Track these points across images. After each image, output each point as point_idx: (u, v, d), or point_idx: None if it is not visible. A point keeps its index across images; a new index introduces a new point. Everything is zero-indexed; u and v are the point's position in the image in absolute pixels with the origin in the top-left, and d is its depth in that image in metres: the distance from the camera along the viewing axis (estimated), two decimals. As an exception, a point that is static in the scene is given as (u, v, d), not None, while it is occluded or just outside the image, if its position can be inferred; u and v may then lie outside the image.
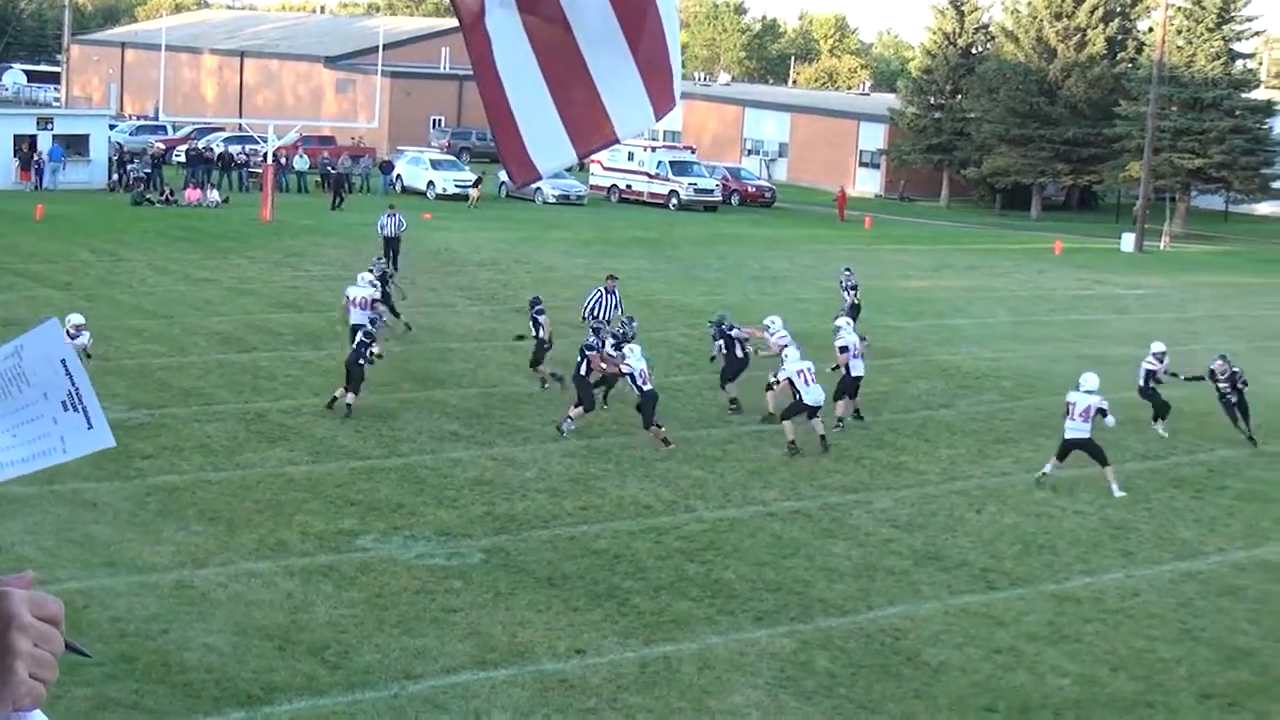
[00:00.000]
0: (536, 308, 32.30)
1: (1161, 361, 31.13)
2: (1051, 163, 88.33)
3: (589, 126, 5.46)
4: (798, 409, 27.22)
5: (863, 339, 31.96)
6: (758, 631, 18.37)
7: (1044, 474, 25.87)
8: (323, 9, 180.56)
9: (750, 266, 53.77)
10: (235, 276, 44.36)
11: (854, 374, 29.48)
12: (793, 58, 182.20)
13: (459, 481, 24.33)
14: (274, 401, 29.24)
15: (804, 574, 20.65)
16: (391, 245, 46.84)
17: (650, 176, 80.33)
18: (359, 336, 29.31)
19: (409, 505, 22.88)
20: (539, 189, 75.94)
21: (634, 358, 27.35)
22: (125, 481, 23.12)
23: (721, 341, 31.61)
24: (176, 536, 20.73)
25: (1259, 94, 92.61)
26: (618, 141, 5.89)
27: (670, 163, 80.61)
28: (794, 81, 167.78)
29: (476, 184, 75.68)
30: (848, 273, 41.04)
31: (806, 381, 27.24)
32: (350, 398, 28.42)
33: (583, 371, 27.57)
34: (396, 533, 21.50)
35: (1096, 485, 26.03)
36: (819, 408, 27.43)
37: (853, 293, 39.77)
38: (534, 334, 32.14)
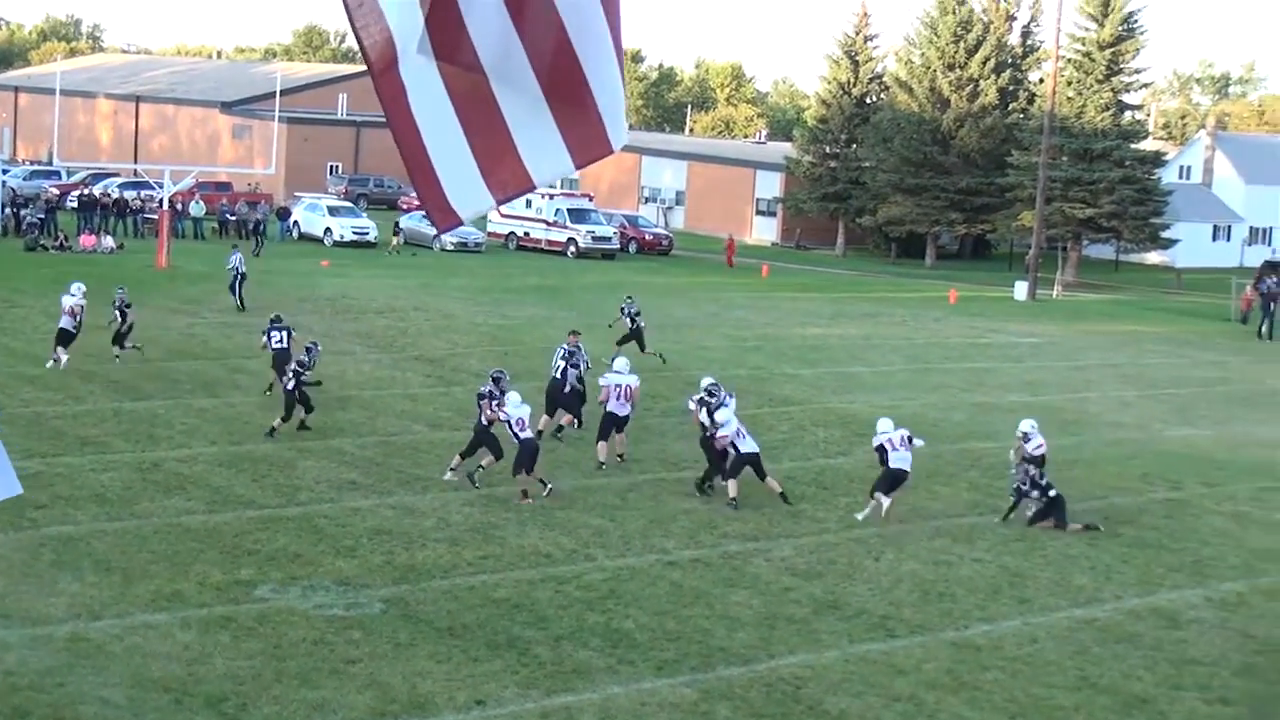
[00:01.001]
0: (119, 298, 37.40)
1: (1026, 440, 28.49)
2: (945, 212, 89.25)
3: (505, 173, 5.46)
4: (740, 464, 27.23)
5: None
6: (658, 681, 18.33)
7: (884, 513, 26.55)
8: (219, 54, 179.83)
9: (652, 314, 53.84)
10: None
11: (621, 414, 29.90)
12: (689, 106, 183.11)
13: (358, 531, 24.14)
14: (170, 450, 28.93)
15: (704, 623, 20.64)
16: (236, 280, 49.50)
17: (548, 224, 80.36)
18: (293, 366, 30.93)
19: (307, 555, 22.67)
20: (437, 236, 75.77)
21: (511, 405, 27.08)
22: (18, 532, 22.77)
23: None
24: (71, 588, 20.42)
25: (1147, 145, 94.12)
26: (534, 189, 5.89)
27: (568, 210, 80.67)
28: (691, 129, 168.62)
29: (396, 230, 75.71)
30: (629, 300, 41.57)
31: (742, 435, 27.36)
32: (278, 422, 30.48)
33: (484, 421, 27.42)
34: (295, 583, 21.30)
35: (994, 533, 26.24)
36: (758, 454, 27.41)
37: (636, 319, 40.34)
38: (118, 321, 37.17)
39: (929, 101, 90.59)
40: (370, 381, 37.27)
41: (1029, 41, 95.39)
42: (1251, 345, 59.05)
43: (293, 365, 31.06)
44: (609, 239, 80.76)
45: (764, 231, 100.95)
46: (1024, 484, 27.10)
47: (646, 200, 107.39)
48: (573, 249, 78.90)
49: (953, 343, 53.10)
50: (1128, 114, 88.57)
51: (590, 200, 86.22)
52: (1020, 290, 73.32)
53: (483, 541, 23.98)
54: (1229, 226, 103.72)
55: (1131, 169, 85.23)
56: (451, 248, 75.89)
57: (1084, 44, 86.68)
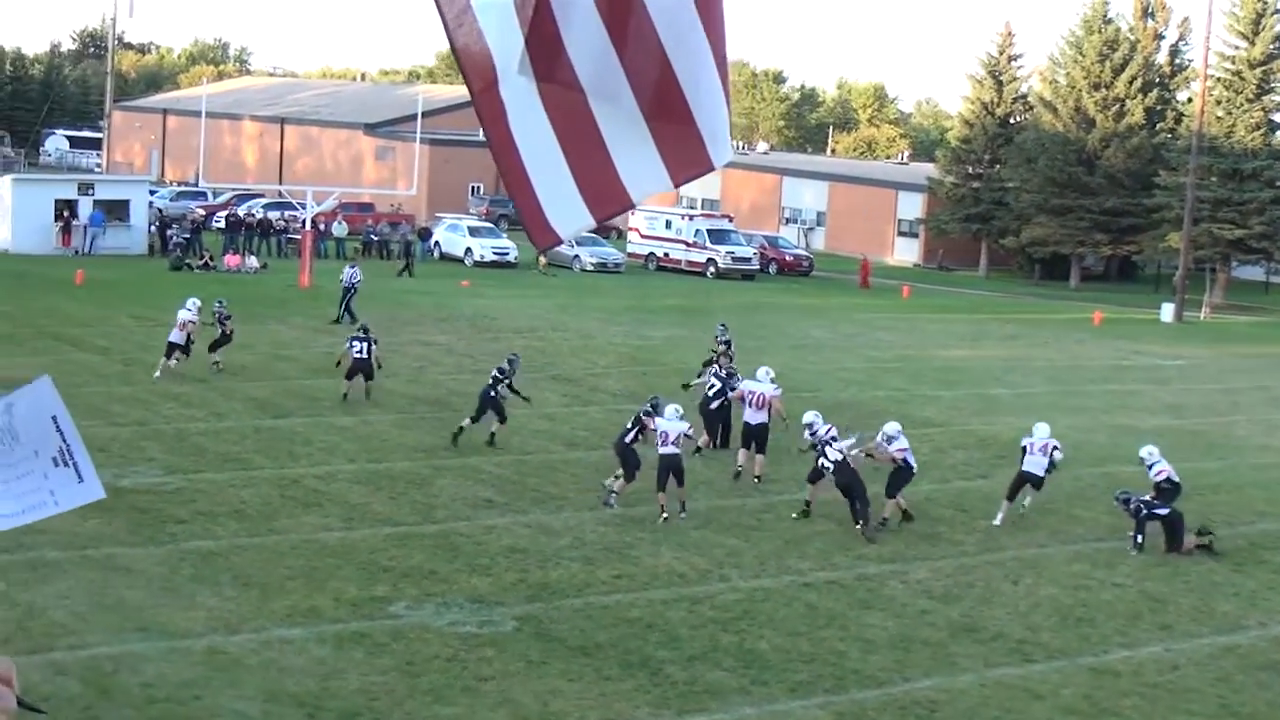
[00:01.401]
0: (219, 310, 39.14)
1: (1149, 468, 28.16)
2: (1090, 233, 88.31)
3: (604, 192, 5.47)
4: (904, 480, 27.32)
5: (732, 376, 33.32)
6: (791, 703, 18.24)
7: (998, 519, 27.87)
8: (363, 76, 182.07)
9: (790, 335, 53.75)
10: (272, 342, 44.52)
11: (754, 422, 30.29)
12: (831, 126, 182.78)
13: (493, 549, 24.27)
14: (309, 467, 29.26)
15: (839, 645, 20.53)
16: (346, 294, 50.44)
17: (688, 245, 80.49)
18: (493, 372, 32.59)
19: (442, 572, 22.83)
20: (577, 256, 76.29)
21: (664, 418, 27.17)
22: (159, 547, 23.14)
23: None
24: (209, 602, 20.71)
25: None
26: (633, 206, 5.92)
27: (708, 231, 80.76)
28: (832, 150, 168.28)
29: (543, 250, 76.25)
30: (722, 328, 41.62)
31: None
32: (467, 422, 32.07)
33: (628, 439, 27.48)
34: (429, 600, 21.45)
35: (1135, 558, 25.88)
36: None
37: (724, 347, 40.44)
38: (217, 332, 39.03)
39: (1074, 121, 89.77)
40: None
41: (1177, 60, 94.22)
42: (1406, 369, 57.81)
43: (494, 371, 32.66)
44: (749, 260, 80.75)
45: (906, 252, 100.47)
46: (1135, 513, 26.70)
47: (787, 221, 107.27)
48: (712, 270, 78.98)
49: (1096, 365, 52.50)
50: (1279, 134, 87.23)
51: (730, 221, 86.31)
52: (1167, 312, 72.36)
53: (617, 561, 24.01)
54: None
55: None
56: (591, 268, 76.33)
57: (1234, 63, 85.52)
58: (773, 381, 31.08)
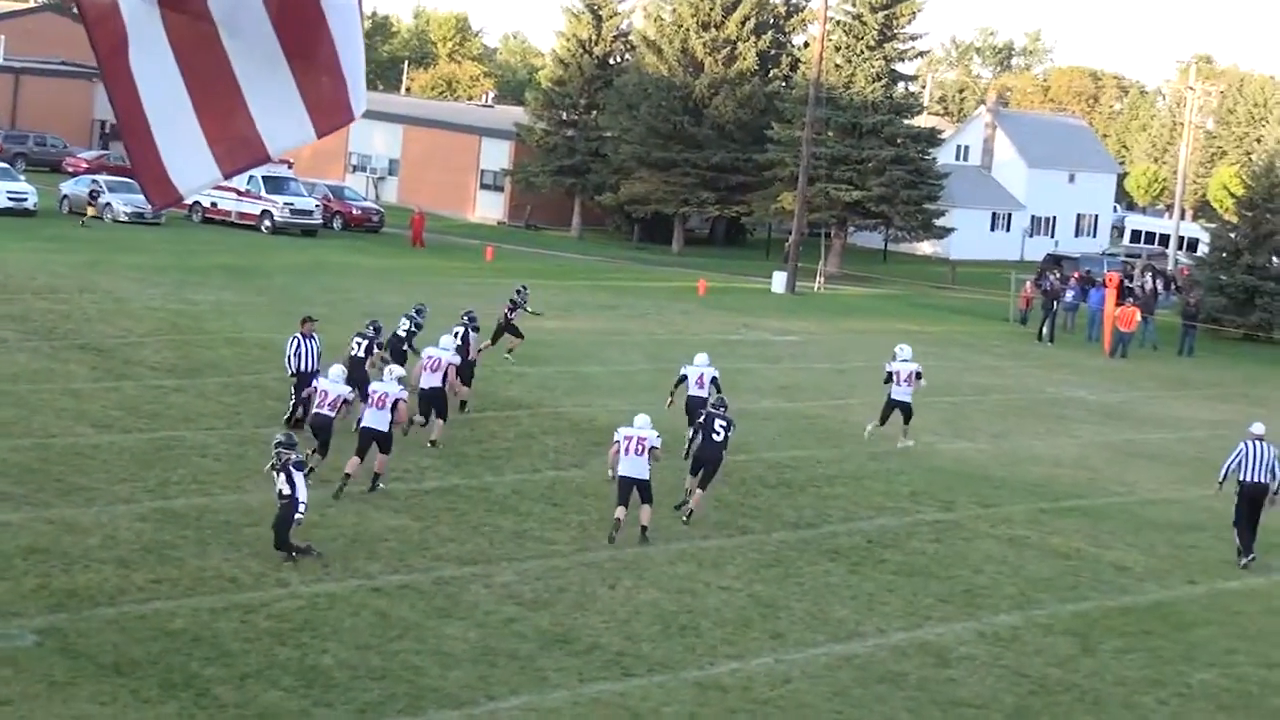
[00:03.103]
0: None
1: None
2: (696, 190, 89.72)
3: (234, 141, 5.32)
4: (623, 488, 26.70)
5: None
6: (360, 726, 18.24)
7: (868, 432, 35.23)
8: None
9: (359, 301, 53.43)
10: None
11: (426, 386, 32.51)
12: (406, 61, 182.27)
13: (8, 550, 23.59)
14: None
15: (414, 659, 20.56)
16: None
17: (239, 194, 79.19)
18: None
19: (-54, 578, 22.14)
20: (108, 204, 74.45)
21: (323, 379, 29.18)
22: None
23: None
24: None
25: (922, 121, 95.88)
26: (269, 159, 5.77)
27: (263, 179, 79.60)
28: (407, 89, 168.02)
29: (93, 197, 74.11)
30: (523, 290, 44.42)
31: (626, 450, 26.76)
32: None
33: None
34: (-70, 611, 20.79)
35: (744, 557, 26.55)
36: (644, 484, 26.88)
37: (512, 314, 43.01)
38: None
39: (680, 64, 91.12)
40: (26, 374, 36.43)
41: (793, 1, 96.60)
42: (1031, 348, 60.68)
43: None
44: (310, 213, 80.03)
45: (489, 208, 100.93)
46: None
47: (354, 169, 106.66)
48: (267, 223, 78.03)
49: (702, 340, 53.42)
50: (901, 85, 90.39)
51: (289, 168, 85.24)
52: (778, 281, 74.20)
53: (156, 563, 23.60)
54: (1009, 215, 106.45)
55: (904, 147, 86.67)
56: (126, 219, 74.51)
57: (855, 5, 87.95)
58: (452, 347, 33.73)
